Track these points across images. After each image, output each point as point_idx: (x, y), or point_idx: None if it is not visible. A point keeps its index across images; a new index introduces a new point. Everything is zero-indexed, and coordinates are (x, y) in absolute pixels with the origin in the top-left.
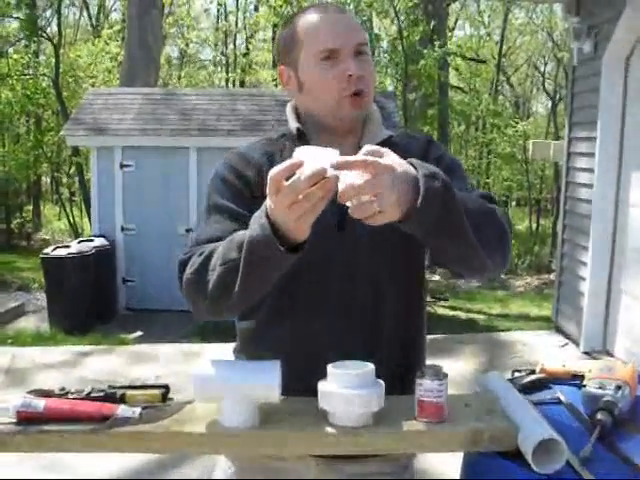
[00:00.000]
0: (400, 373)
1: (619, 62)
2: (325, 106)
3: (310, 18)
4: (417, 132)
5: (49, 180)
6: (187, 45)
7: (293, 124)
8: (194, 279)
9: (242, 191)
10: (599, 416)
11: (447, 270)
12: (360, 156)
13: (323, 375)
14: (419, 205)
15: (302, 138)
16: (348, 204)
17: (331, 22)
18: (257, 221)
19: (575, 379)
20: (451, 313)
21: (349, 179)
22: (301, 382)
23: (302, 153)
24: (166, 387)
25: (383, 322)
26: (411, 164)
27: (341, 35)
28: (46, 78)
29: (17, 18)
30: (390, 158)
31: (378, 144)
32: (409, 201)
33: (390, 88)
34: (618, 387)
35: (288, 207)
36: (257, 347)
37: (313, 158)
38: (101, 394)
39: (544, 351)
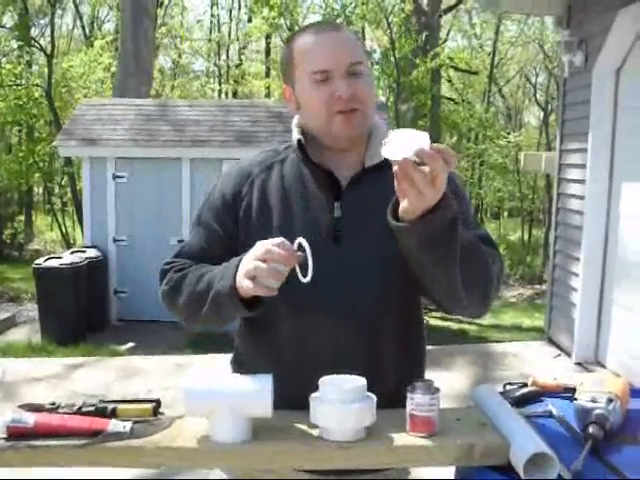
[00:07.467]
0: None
1: (610, 74)
2: (318, 125)
3: (305, 38)
4: None
5: (41, 190)
6: (180, 56)
7: (295, 135)
8: (168, 294)
9: (232, 210)
10: (591, 429)
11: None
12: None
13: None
14: (437, 210)
15: (302, 149)
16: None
17: (324, 43)
18: (228, 274)
19: (567, 392)
20: (442, 324)
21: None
22: (300, 389)
23: (394, 135)
24: (157, 401)
25: (385, 329)
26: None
27: (333, 56)
28: (39, 88)
29: (9, 29)
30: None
31: (383, 162)
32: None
33: (382, 99)
34: (610, 400)
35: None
36: (256, 350)
37: (402, 141)
38: (92, 409)
39: (537, 362)
